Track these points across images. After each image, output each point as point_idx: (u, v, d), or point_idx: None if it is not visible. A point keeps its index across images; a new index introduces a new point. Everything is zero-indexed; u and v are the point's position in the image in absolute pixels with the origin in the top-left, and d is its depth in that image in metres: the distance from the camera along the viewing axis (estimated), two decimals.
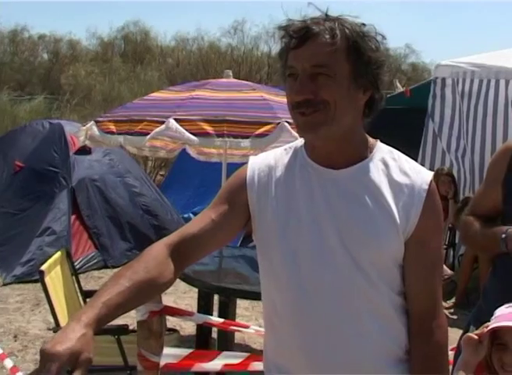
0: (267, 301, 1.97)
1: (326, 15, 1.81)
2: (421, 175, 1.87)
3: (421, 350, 1.85)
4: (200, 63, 24.50)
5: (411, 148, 7.81)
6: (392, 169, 1.87)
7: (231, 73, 5.98)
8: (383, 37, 1.85)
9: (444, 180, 7.32)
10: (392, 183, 1.84)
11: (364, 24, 1.82)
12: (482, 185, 2.55)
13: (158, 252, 1.79)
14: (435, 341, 1.85)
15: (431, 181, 1.86)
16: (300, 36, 1.76)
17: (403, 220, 1.81)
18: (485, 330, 1.92)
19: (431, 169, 7.81)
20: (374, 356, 1.84)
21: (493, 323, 1.93)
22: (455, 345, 2.50)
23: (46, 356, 1.45)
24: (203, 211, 1.95)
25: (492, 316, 2.04)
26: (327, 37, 1.74)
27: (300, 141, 1.95)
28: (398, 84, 12.55)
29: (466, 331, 2.52)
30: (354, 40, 1.76)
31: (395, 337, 1.87)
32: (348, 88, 1.77)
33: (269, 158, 1.97)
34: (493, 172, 2.50)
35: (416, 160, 6.73)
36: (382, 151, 1.90)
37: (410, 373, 1.87)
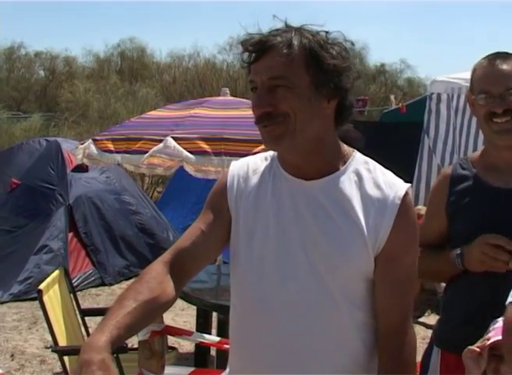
0: (232, 306, 1.97)
1: (286, 25, 1.80)
2: (395, 188, 1.82)
3: (387, 367, 1.82)
4: (196, 80, 24.55)
5: (407, 164, 7.86)
6: (366, 181, 1.83)
7: (228, 91, 6.00)
8: (352, 44, 1.84)
9: None
10: (364, 196, 1.81)
11: (327, 32, 1.80)
12: (425, 218, 2.51)
13: (157, 272, 1.80)
14: (402, 358, 1.82)
15: (405, 195, 1.81)
16: (256, 50, 1.76)
17: (372, 235, 1.78)
18: (487, 342, 1.91)
19: (427, 184, 7.85)
20: (327, 373, 1.81)
21: (493, 336, 1.92)
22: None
23: None
24: (193, 224, 1.95)
25: (456, 336, 2.03)
26: (283, 48, 1.73)
27: None
28: (393, 100, 12.63)
29: (429, 351, 2.51)
30: (312, 48, 1.74)
31: (352, 354, 1.84)
32: (309, 99, 1.75)
33: (248, 165, 1.97)
34: (434, 200, 2.49)
35: (412, 175, 6.77)
36: (357, 162, 1.87)
37: None
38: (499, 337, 1.87)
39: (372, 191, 1.82)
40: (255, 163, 1.96)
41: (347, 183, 1.82)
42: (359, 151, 1.93)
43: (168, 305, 1.81)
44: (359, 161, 1.87)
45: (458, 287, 2.42)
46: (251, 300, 1.86)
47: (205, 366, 4.70)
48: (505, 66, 2.29)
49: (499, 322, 1.97)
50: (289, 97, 1.73)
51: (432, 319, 6.96)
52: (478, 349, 1.88)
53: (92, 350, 1.53)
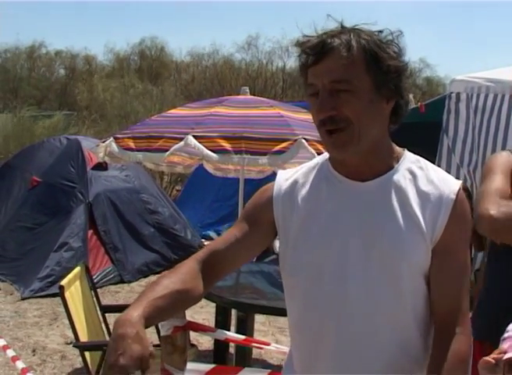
0: (292, 313, 1.97)
1: (342, 26, 1.79)
2: (448, 184, 1.84)
3: (439, 358, 1.79)
4: (215, 78, 24.60)
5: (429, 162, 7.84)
6: (419, 178, 1.84)
7: (248, 90, 6.01)
8: (400, 34, 1.81)
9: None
10: (419, 193, 1.82)
11: (380, 31, 1.80)
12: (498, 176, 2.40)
13: (191, 267, 1.84)
14: (455, 348, 1.79)
15: (459, 190, 1.84)
16: (316, 52, 1.74)
17: (429, 229, 1.79)
18: (504, 356, 1.88)
19: None
20: (388, 372, 1.82)
21: (509, 348, 1.89)
22: None
23: (115, 371, 1.50)
24: (229, 229, 1.98)
25: (490, 326, 2.02)
26: (343, 50, 1.72)
27: (325, 155, 1.94)
28: (412, 99, 12.57)
29: None
30: (371, 49, 1.74)
31: (414, 353, 1.86)
32: (371, 101, 1.75)
33: (296, 175, 1.96)
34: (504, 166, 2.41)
35: None
36: (408, 160, 1.89)
37: None
38: None
39: (427, 187, 1.83)
40: (304, 171, 1.96)
41: (402, 181, 1.84)
42: None
43: (195, 301, 1.84)
44: (411, 159, 1.89)
45: (497, 282, 2.42)
46: (314, 306, 1.86)
47: (224, 363, 4.73)
48: None
49: None
50: (352, 101, 1.73)
51: None
52: (493, 361, 1.88)
53: (126, 324, 1.56)
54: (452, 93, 8.04)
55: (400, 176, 1.85)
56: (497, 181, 2.34)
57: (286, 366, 2.07)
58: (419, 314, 1.85)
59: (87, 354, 4.06)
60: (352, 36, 1.75)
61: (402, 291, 1.81)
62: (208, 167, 6.16)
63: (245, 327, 4.65)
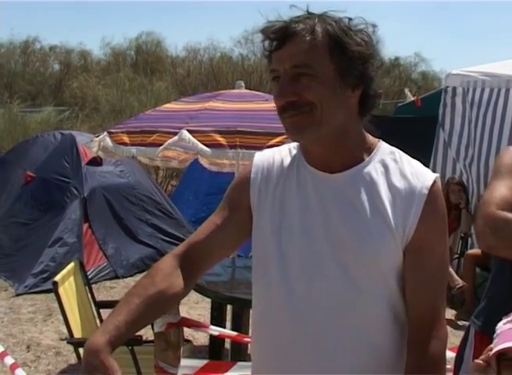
0: (256, 301, 1.92)
1: (308, 12, 1.74)
2: (422, 178, 1.77)
3: (414, 360, 1.74)
4: (211, 73, 24.53)
5: (422, 157, 7.81)
6: (392, 172, 1.78)
7: (243, 84, 5.98)
8: (373, 26, 1.75)
9: (454, 188, 7.30)
10: (391, 187, 1.75)
11: (350, 19, 1.74)
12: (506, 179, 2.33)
13: (165, 264, 1.81)
14: (431, 352, 1.73)
15: (432, 184, 1.76)
16: (278, 37, 1.70)
17: (400, 226, 1.72)
18: (490, 353, 1.88)
19: (442, 177, 7.83)
20: (355, 372, 1.76)
21: (496, 345, 1.89)
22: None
23: None
24: (209, 218, 1.92)
25: (492, 320, 2.01)
26: (306, 35, 1.67)
27: None
28: (408, 93, 12.56)
29: (466, 336, 2.50)
30: (336, 35, 1.68)
31: (380, 353, 1.79)
32: (334, 87, 1.69)
33: (274, 158, 1.90)
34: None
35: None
36: (382, 152, 1.82)
37: None
38: (506, 345, 1.83)
39: (399, 181, 1.76)
40: (280, 155, 1.90)
41: (373, 174, 1.77)
42: None
43: (176, 297, 1.82)
44: (385, 151, 1.83)
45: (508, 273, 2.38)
46: (276, 297, 1.80)
47: (219, 359, 4.71)
48: None
49: (501, 328, 1.95)
50: (314, 85, 1.68)
51: (446, 313, 6.92)
52: (483, 362, 1.84)
53: (91, 353, 1.59)
54: (448, 87, 8.05)
55: (372, 168, 1.78)
56: (501, 188, 2.26)
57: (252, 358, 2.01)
58: (389, 314, 1.79)
59: (81, 350, 4.02)
60: (317, 21, 1.70)
61: (369, 291, 1.75)
62: (203, 162, 6.13)
63: (240, 322, 4.64)
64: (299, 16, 1.73)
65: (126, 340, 1.68)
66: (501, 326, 1.96)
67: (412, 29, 53.09)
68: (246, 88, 6.32)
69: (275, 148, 1.95)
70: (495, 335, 1.95)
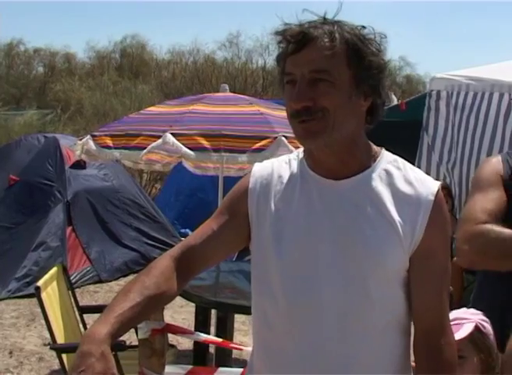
0: (258, 312, 1.90)
1: (324, 18, 1.74)
2: (426, 185, 1.78)
3: (427, 366, 1.77)
4: (195, 76, 24.54)
5: (407, 161, 7.85)
6: (397, 178, 1.78)
7: (227, 87, 5.98)
8: (383, 36, 1.77)
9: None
10: (397, 193, 1.76)
11: (363, 27, 1.75)
12: (481, 191, 2.38)
13: (165, 267, 1.79)
14: (444, 358, 1.77)
15: (437, 191, 1.78)
16: (297, 40, 1.69)
17: (407, 233, 1.73)
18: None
19: None
20: (358, 365, 1.76)
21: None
22: None
23: None
24: (206, 221, 1.91)
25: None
26: (326, 40, 1.67)
27: (301, 152, 1.89)
28: (393, 97, 12.58)
29: None
30: (354, 43, 1.70)
31: (386, 358, 1.80)
32: (349, 95, 1.70)
33: (273, 168, 1.90)
34: (490, 176, 2.38)
35: None
36: (386, 159, 1.82)
37: None
38: None
39: (404, 188, 1.77)
40: (279, 166, 1.89)
41: (378, 181, 1.78)
42: None
43: (169, 299, 1.81)
44: (388, 159, 1.83)
45: (485, 291, 2.39)
46: (282, 306, 1.79)
47: (204, 364, 4.69)
48: None
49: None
50: (331, 92, 1.68)
51: None
52: None
53: (92, 342, 1.53)
54: (432, 91, 8.06)
55: (376, 176, 1.79)
56: (481, 201, 2.31)
57: (249, 366, 2.00)
58: (393, 320, 1.79)
59: (64, 356, 3.99)
60: (335, 27, 1.70)
61: (375, 298, 1.75)
62: (188, 165, 6.13)
63: (225, 327, 4.62)
64: (315, 21, 1.73)
65: (124, 333, 1.66)
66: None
67: (397, 33, 53.38)
68: (231, 91, 6.31)
69: (273, 159, 1.95)
70: None
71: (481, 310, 2.33)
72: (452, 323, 1.90)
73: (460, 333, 1.89)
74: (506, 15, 61.88)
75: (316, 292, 1.76)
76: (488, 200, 2.31)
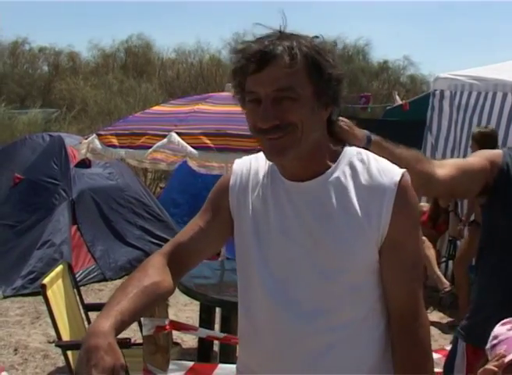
0: (242, 305, 1.96)
1: (280, 32, 1.75)
2: (389, 175, 1.80)
3: (404, 350, 1.81)
4: (200, 76, 24.53)
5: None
6: (360, 172, 1.82)
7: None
8: (334, 44, 1.82)
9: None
10: (361, 188, 1.80)
11: (316, 36, 1.78)
12: (465, 166, 2.42)
13: (155, 261, 1.86)
14: (418, 340, 1.82)
15: (400, 180, 1.79)
16: (258, 60, 1.70)
17: (374, 225, 1.77)
18: (505, 360, 1.85)
19: None
20: (343, 367, 1.81)
21: (510, 351, 1.86)
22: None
23: None
24: (193, 219, 1.98)
25: (486, 330, 2.01)
26: (287, 58, 1.68)
27: None
28: (397, 97, 12.58)
29: (455, 347, 2.48)
30: (313, 57, 1.72)
31: (366, 347, 1.84)
32: (312, 108, 1.74)
33: (251, 164, 1.96)
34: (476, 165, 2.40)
35: None
36: (349, 154, 1.86)
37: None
38: None
39: (367, 180, 1.80)
40: (257, 163, 1.95)
41: (342, 177, 1.82)
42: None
43: (167, 294, 1.86)
44: (351, 153, 1.87)
45: (495, 281, 2.37)
46: (261, 302, 1.86)
47: (208, 362, 4.71)
48: None
49: (505, 334, 1.94)
50: (296, 107, 1.71)
51: (434, 316, 6.95)
52: (496, 368, 1.86)
53: (98, 335, 1.56)
54: (436, 90, 8.08)
55: (340, 173, 1.82)
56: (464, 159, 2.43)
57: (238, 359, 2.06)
58: (367, 310, 1.84)
59: (69, 353, 4.02)
60: (294, 43, 1.72)
61: (349, 291, 1.80)
62: (192, 164, 6.11)
63: (229, 325, 4.63)
64: (271, 36, 1.74)
65: (127, 326, 1.68)
66: (505, 332, 1.95)
67: (401, 32, 53.28)
68: None
69: (252, 156, 1.99)
70: (496, 341, 1.95)
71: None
72: None
73: None
74: (509, 15, 61.74)
75: (290, 291, 1.81)
76: (463, 161, 2.41)
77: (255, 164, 1.94)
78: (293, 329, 1.81)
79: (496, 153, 2.43)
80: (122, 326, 1.63)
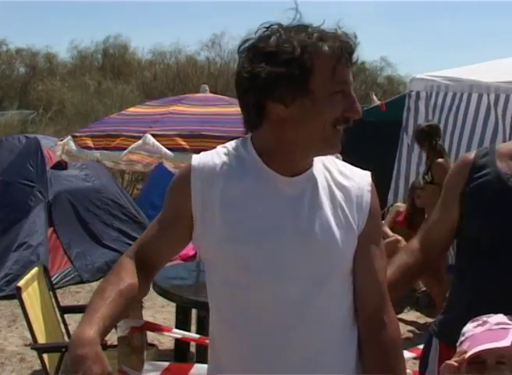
0: (215, 308, 1.91)
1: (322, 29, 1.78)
2: (361, 176, 1.91)
3: (375, 346, 1.84)
4: (177, 77, 24.48)
5: (387, 161, 7.91)
6: (334, 173, 1.88)
7: (207, 88, 5.98)
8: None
9: (420, 193, 7.29)
10: (340, 187, 1.86)
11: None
12: (437, 209, 2.42)
13: (127, 264, 1.85)
14: (389, 334, 1.85)
15: (371, 181, 1.91)
16: (350, 53, 1.77)
17: (355, 221, 1.84)
18: (465, 355, 1.90)
19: (406, 182, 7.90)
20: (332, 368, 1.81)
21: (469, 348, 1.91)
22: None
23: None
24: (154, 222, 1.94)
25: (457, 328, 2.04)
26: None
27: (244, 145, 1.87)
28: (374, 98, 12.62)
29: (429, 343, 2.50)
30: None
31: (350, 347, 1.86)
32: None
33: (213, 160, 1.86)
34: (450, 187, 2.38)
35: (392, 173, 6.79)
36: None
37: (365, 373, 1.85)
38: (479, 348, 1.86)
39: (344, 181, 1.88)
40: (220, 159, 1.85)
41: (322, 176, 1.86)
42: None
43: (142, 295, 1.87)
44: None
45: (467, 280, 2.38)
46: (242, 304, 1.80)
47: (185, 362, 4.71)
48: None
49: (471, 331, 1.98)
50: None
51: (411, 315, 7.00)
52: (456, 363, 1.88)
53: (83, 345, 1.55)
54: (412, 91, 8.13)
55: (320, 171, 1.87)
56: (434, 214, 2.43)
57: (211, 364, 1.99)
58: (348, 310, 1.87)
59: (45, 356, 4.01)
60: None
61: (336, 289, 1.83)
62: (168, 165, 6.11)
63: (205, 326, 4.63)
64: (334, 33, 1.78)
65: (110, 331, 1.68)
66: (471, 329, 1.98)
67: (378, 34, 53.50)
68: (212, 92, 6.31)
69: (212, 152, 1.91)
70: (463, 338, 1.98)
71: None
72: (497, 327, 1.93)
73: (509, 338, 1.86)
74: (485, 16, 62.31)
75: (281, 291, 1.77)
76: (439, 226, 2.40)
77: (219, 160, 1.85)
78: (281, 333, 1.78)
79: (460, 161, 2.45)
80: (105, 332, 1.63)
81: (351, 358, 1.86)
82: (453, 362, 1.90)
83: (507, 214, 2.20)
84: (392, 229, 6.73)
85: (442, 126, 7.72)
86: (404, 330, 6.47)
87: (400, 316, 6.77)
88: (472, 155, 2.38)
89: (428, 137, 6.62)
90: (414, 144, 8.00)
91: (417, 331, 6.54)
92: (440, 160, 6.47)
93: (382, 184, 7.13)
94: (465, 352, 1.89)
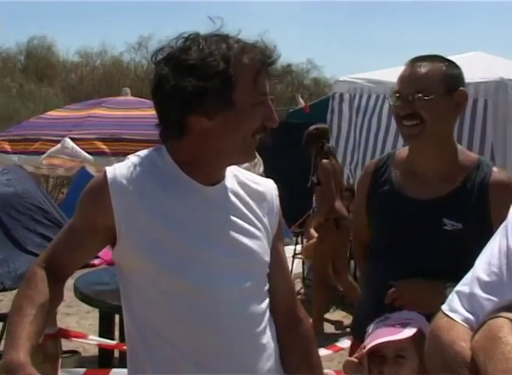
0: (144, 315, 1.84)
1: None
2: (266, 182, 1.98)
3: (296, 337, 1.94)
4: (103, 79, 24.22)
5: (310, 163, 7.98)
6: (245, 180, 1.92)
7: (129, 91, 5.94)
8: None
9: (345, 195, 7.36)
10: (251, 193, 1.90)
11: None
12: (353, 213, 2.63)
13: (40, 275, 1.81)
14: (305, 327, 1.97)
15: (275, 186, 1.99)
16: (270, 65, 1.81)
17: (268, 226, 1.90)
18: (364, 351, 1.97)
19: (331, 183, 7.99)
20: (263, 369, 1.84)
21: (368, 343, 1.99)
22: None
23: None
24: (66, 226, 1.91)
25: (365, 325, 2.10)
26: None
27: (157, 154, 1.85)
28: (301, 100, 12.75)
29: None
30: None
31: (275, 346, 1.89)
32: None
33: (131, 171, 1.80)
34: (358, 196, 2.55)
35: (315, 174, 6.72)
36: None
37: (287, 363, 1.91)
38: (375, 342, 1.94)
39: (255, 187, 1.93)
40: (140, 168, 1.81)
41: (235, 183, 1.89)
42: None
43: (57, 304, 1.85)
44: None
45: (368, 279, 2.48)
46: (177, 311, 1.77)
47: (110, 368, 4.66)
48: (419, 69, 2.29)
49: (374, 327, 2.05)
50: None
51: (336, 315, 7.08)
52: (356, 360, 1.98)
53: (17, 370, 1.55)
54: (335, 93, 8.22)
55: (232, 181, 1.90)
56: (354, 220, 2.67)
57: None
58: (268, 309, 1.91)
59: None
60: None
61: (263, 294, 1.89)
62: (91, 169, 6.05)
63: None
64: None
65: (34, 348, 1.65)
66: (373, 326, 2.07)
67: (304, 36, 53.98)
68: (138, 95, 6.28)
69: (126, 163, 1.85)
70: (367, 334, 2.04)
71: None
72: (396, 322, 2.02)
73: (406, 332, 1.95)
74: (410, 20, 63.63)
75: (216, 297, 1.78)
76: (359, 227, 2.57)
77: (138, 170, 1.80)
78: (218, 333, 1.78)
79: (363, 170, 2.57)
80: (31, 351, 1.62)
81: (277, 356, 1.90)
82: (353, 358, 1.99)
83: (391, 216, 2.34)
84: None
85: (366, 128, 7.83)
86: (330, 329, 6.58)
87: (326, 315, 6.85)
88: (373, 163, 2.51)
89: (316, 139, 6.81)
90: (339, 146, 8.11)
91: (341, 331, 6.62)
92: (324, 161, 6.62)
93: (306, 186, 7.13)
94: (364, 347, 1.96)
